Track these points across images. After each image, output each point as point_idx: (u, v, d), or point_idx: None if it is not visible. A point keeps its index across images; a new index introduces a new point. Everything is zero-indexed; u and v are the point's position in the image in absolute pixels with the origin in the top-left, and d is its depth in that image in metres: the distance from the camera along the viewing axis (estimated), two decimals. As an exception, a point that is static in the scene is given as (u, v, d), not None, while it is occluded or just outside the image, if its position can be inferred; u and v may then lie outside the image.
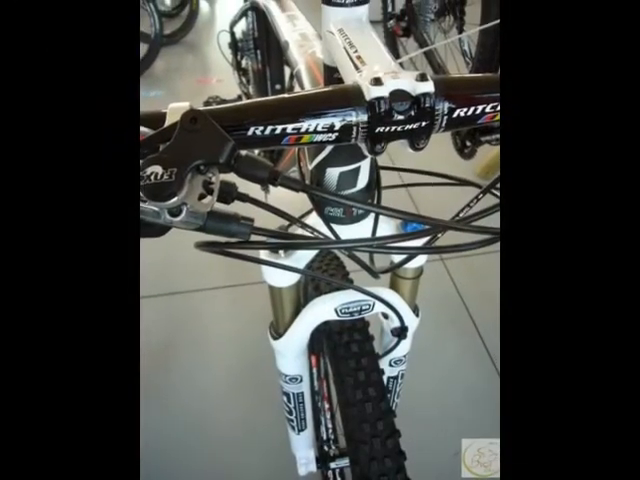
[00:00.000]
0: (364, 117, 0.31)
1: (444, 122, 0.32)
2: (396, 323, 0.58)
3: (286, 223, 0.41)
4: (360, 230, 0.50)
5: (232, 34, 1.25)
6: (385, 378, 0.66)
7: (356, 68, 0.35)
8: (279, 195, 0.48)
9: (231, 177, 0.32)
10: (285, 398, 0.71)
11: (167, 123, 0.29)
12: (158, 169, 0.27)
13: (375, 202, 0.51)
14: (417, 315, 0.60)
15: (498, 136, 0.82)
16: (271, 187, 0.32)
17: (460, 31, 1.23)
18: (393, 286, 0.59)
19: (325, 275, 0.66)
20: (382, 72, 0.32)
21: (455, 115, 0.32)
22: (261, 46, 1.14)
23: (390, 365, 0.66)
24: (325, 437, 0.94)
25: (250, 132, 0.31)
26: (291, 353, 0.63)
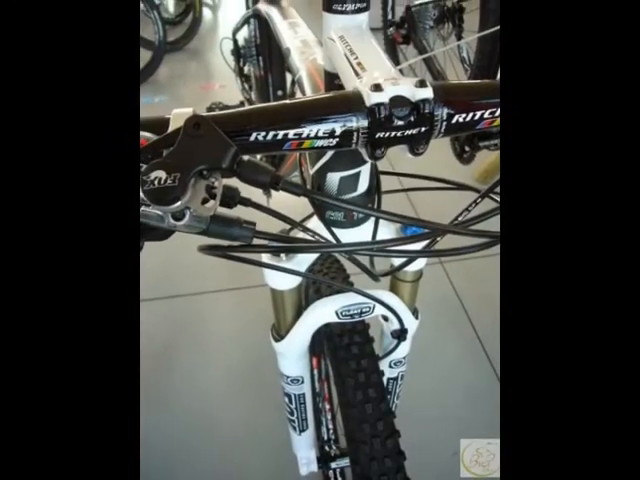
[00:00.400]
0: (364, 123, 0.31)
1: (443, 127, 0.33)
2: (396, 325, 0.58)
3: (288, 227, 0.42)
4: (360, 234, 0.50)
5: (235, 41, 1.25)
6: (385, 379, 0.66)
7: (356, 74, 0.35)
8: (281, 199, 0.49)
9: (233, 182, 0.32)
10: (286, 399, 0.71)
11: (171, 128, 0.30)
12: (162, 174, 0.27)
13: (375, 206, 0.52)
14: (417, 317, 0.61)
15: (496, 141, 0.82)
16: (273, 191, 0.33)
17: (459, 38, 1.23)
18: (393, 289, 0.59)
19: (326, 278, 0.66)
20: (382, 78, 0.32)
21: (454, 121, 0.33)
22: (263, 53, 1.15)
23: (390, 367, 0.66)
24: (326, 437, 0.94)
25: (252, 137, 0.31)
26: (292, 355, 0.63)
